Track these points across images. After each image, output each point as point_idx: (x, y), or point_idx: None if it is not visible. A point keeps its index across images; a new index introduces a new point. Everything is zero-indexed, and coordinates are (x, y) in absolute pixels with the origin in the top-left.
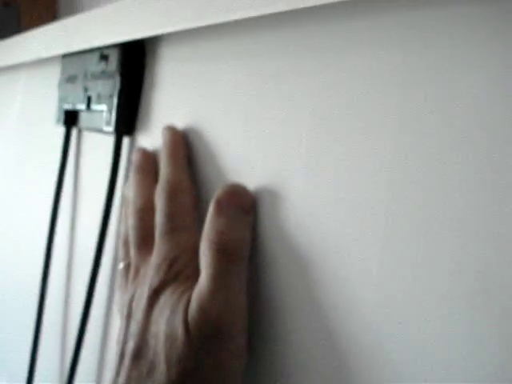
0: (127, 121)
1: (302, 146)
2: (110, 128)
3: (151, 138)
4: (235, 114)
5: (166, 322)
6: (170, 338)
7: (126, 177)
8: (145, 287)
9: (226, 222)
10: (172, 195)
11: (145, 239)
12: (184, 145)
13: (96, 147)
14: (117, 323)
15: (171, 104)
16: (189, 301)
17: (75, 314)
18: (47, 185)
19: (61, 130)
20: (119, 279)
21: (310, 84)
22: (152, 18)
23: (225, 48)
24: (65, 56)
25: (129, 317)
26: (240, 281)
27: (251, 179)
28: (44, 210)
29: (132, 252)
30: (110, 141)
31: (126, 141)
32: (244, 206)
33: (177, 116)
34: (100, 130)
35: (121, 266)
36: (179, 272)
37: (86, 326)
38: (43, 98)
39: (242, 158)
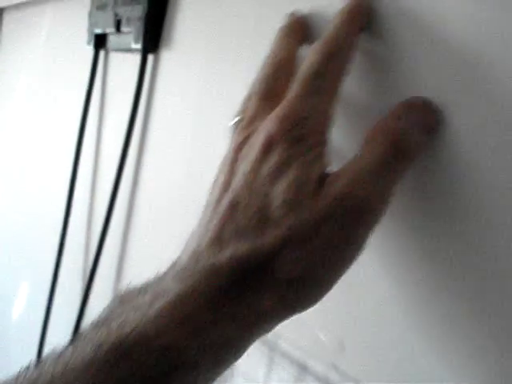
0: (152, 40)
1: None
2: (138, 45)
3: (172, 54)
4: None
5: (286, 180)
6: (294, 203)
7: (150, 90)
8: (260, 135)
9: (405, 125)
10: (328, 55)
11: (272, 91)
12: (363, 14)
13: (122, 66)
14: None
15: (191, 27)
16: (322, 169)
17: (98, 222)
18: (75, 99)
19: (88, 53)
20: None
21: None
22: None
23: None
24: None
25: (233, 165)
26: (397, 184)
27: None
28: (72, 125)
29: (252, 102)
30: (135, 60)
31: (150, 59)
32: (425, 124)
33: (195, 37)
34: (128, 49)
35: (234, 120)
36: (303, 136)
37: (108, 231)
38: (70, 27)
39: None
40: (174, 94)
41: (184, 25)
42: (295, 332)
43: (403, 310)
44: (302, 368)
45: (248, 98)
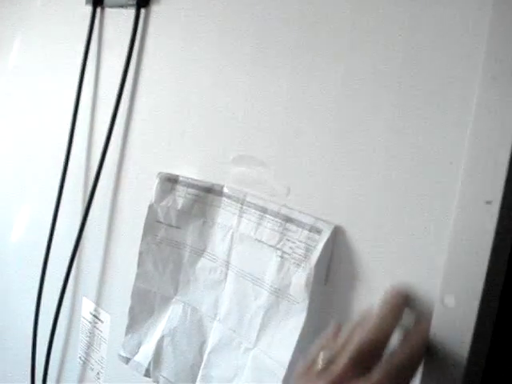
0: None
1: None
2: (133, 1)
3: (161, 8)
4: None
5: None
6: None
7: (142, 40)
8: None
9: None
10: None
11: (363, 362)
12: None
13: (117, 20)
14: None
15: None
16: None
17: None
18: (73, 52)
19: (83, 10)
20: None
21: None
22: None
23: None
24: None
25: None
26: None
27: None
28: (72, 74)
29: (342, 359)
30: (128, 14)
31: (141, 12)
32: None
33: None
34: (124, 5)
35: (313, 356)
36: None
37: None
38: None
39: None
40: (163, 44)
41: None
42: (256, 187)
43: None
44: (263, 210)
45: (334, 347)
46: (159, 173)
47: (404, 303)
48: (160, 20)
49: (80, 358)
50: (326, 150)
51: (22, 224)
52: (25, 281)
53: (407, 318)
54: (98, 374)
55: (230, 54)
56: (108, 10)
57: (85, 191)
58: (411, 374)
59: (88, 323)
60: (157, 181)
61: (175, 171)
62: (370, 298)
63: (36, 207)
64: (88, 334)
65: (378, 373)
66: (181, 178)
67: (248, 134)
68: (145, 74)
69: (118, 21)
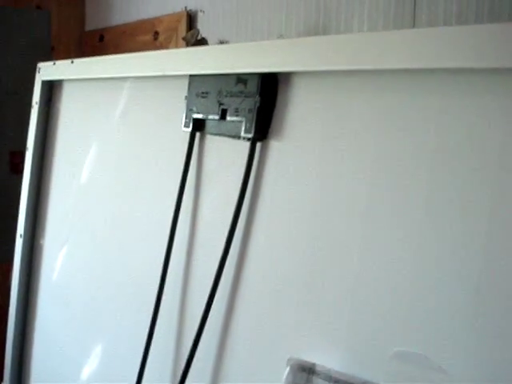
0: (262, 130)
1: None
2: (250, 135)
3: (280, 143)
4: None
5: None
6: None
7: (257, 178)
8: None
9: None
10: None
11: None
12: None
13: (221, 150)
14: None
15: (299, 120)
16: None
17: (193, 314)
18: (170, 182)
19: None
20: None
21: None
22: (286, 56)
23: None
24: (193, 75)
25: None
26: None
27: None
28: (167, 207)
29: None
30: (236, 145)
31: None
32: None
33: (303, 129)
34: (236, 137)
35: None
36: None
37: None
38: (149, 107)
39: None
40: (283, 182)
41: (294, 115)
42: None
43: None
44: None
45: None
46: (289, 359)
47: None
48: (279, 156)
49: None
50: None
51: (94, 369)
52: None
53: None
54: None
55: (384, 200)
56: (211, 137)
57: (177, 356)
58: None
59: None
60: (288, 369)
61: (309, 357)
62: None
63: (112, 352)
64: None
65: None
66: (319, 368)
67: (422, 322)
68: (261, 218)
69: (228, 151)
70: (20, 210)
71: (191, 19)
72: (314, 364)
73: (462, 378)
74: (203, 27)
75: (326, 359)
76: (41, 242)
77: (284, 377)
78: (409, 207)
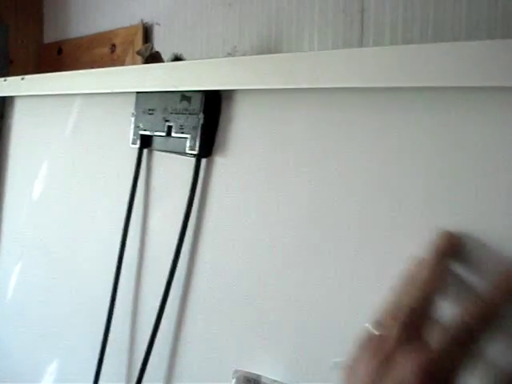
0: (207, 147)
1: None
2: (195, 152)
3: (224, 159)
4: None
5: None
6: None
7: (203, 192)
8: (410, 362)
9: None
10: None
11: (415, 323)
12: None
13: (168, 166)
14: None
15: (241, 136)
16: None
17: (145, 325)
18: (120, 198)
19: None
20: (365, 340)
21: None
22: (228, 75)
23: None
24: (139, 92)
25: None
26: None
27: None
28: (117, 223)
29: (395, 329)
30: (182, 161)
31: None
32: None
33: (246, 145)
34: (182, 153)
35: (368, 329)
36: None
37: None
38: (98, 123)
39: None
40: (227, 199)
41: (238, 132)
42: None
43: None
44: None
45: (389, 316)
46: (235, 371)
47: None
48: (223, 171)
49: None
50: None
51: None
52: None
53: None
54: None
55: (325, 214)
56: (157, 153)
57: (129, 375)
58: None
59: None
60: (233, 381)
61: (254, 369)
62: None
63: (68, 374)
64: None
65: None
66: (264, 380)
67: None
68: (206, 234)
69: (173, 167)
70: None
71: (147, 32)
72: (259, 376)
73: None
74: (159, 40)
75: (271, 371)
76: None
77: None
78: (347, 216)
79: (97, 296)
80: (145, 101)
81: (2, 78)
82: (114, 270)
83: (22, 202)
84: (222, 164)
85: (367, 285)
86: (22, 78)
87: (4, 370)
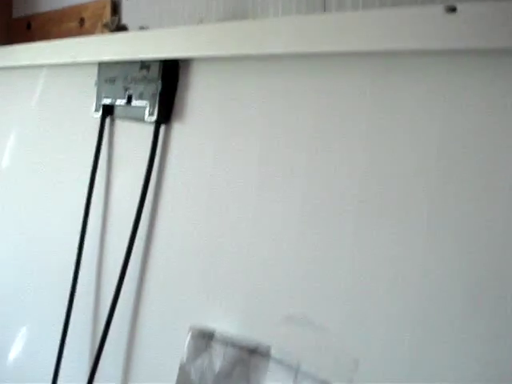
0: (165, 114)
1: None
2: (153, 118)
3: (181, 125)
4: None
5: None
6: None
7: (161, 158)
8: None
9: None
10: None
11: None
12: None
13: (131, 134)
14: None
15: (198, 103)
16: None
17: (109, 285)
18: (83, 165)
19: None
20: None
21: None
22: (185, 43)
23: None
24: (101, 63)
25: None
26: None
27: None
28: (81, 189)
29: None
30: (142, 128)
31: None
32: None
33: (202, 111)
34: (141, 120)
35: None
36: None
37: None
38: (63, 94)
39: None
40: (185, 163)
41: (194, 99)
42: (313, 354)
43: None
44: None
45: None
46: (191, 327)
47: None
48: (181, 137)
49: None
50: (405, 312)
51: (20, 351)
52: None
53: None
54: None
55: (275, 175)
56: (119, 122)
57: (94, 333)
58: None
59: None
60: (188, 336)
61: (210, 324)
62: None
63: (36, 331)
64: None
65: None
66: (217, 334)
67: (305, 286)
68: (166, 196)
69: (133, 134)
70: None
71: (115, 6)
72: (213, 331)
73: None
74: (127, 14)
75: (225, 326)
76: None
77: (186, 343)
78: (296, 169)
79: (64, 259)
80: (106, 70)
81: None
82: (79, 235)
83: None
84: (179, 130)
85: (309, 229)
86: None
87: None
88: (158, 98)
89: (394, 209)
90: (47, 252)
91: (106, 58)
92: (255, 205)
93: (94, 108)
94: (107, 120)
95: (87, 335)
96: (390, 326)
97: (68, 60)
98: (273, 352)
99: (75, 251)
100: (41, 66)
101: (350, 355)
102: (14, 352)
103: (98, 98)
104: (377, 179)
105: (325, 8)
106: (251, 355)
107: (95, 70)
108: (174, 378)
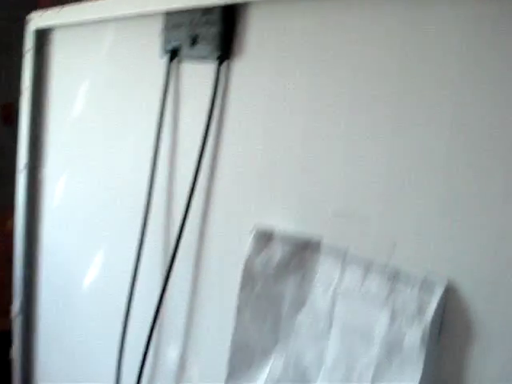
0: (226, 53)
1: None
2: (215, 58)
3: (242, 64)
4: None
5: None
6: None
7: (224, 95)
8: None
9: None
10: None
11: None
12: None
13: (195, 74)
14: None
15: (255, 43)
16: None
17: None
18: (152, 108)
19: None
20: None
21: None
22: None
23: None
24: (167, 12)
25: None
26: None
27: None
28: (151, 130)
29: None
30: (205, 68)
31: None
32: None
33: (259, 51)
34: (204, 61)
35: None
36: None
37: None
38: (132, 43)
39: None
40: (246, 100)
41: (252, 39)
42: (358, 241)
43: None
44: (368, 265)
45: None
46: (254, 227)
47: None
48: (241, 74)
49: None
50: (436, 200)
51: (97, 274)
52: (103, 333)
53: None
54: None
55: (322, 103)
56: (184, 65)
57: (166, 242)
58: None
59: (173, 372)
60: (252, 235)
61: (269, 223)
62: (485, 359)
63: (113, 256)
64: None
65: None
66: (276, 232)
67: (348, 185)
68: (228, 125)
69: (197, 75)
70: (21, 144)
71: None
72: (272, 230)
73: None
74: None
75: (282, 225)
76: (41, 173)
77: (249, 242)
78: (351, 99)
79: (136, 189)
80: (172, 18)
81: (40, 11)
82: (149, 169)
83: (65, 118)
84: (239, 68)
85: (360, 145)
86: (59, 10)
87: (54, 266)
88: (219, 40)
89: (423, 109)
90: (121, 182)
91: (172, 6)
92: (305, 120)
93: (160, 53)
94: (173, 63)
95: (160, 247)
96: (421, 213)
97: (135, 11)
98: (324, 242)
99: (147, 179)
100: (108, 22)
101: (389, 238)
102: (91, 275)
103: (164, 44)
104: None
105: None
106: (305, 247)
107: (160, 19)
108: (240, 272)
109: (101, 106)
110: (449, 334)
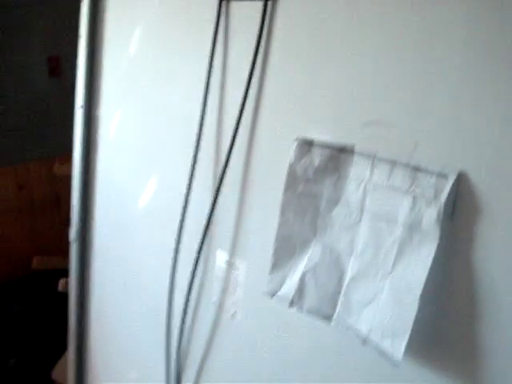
0: None
1: None
2: None
3: (287, 3)
4: None
5: None
6: None
7: (268, 32)
8: None
9: None
10: None
11: None
12: None
13: (242, 12)
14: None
15: None
16: None
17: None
18: (199, 40)
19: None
20: None
21: None
22: None
23: None
24: None
25: None
26: None
27: None
28: (203, 62)
29: None
30: (253, 6)
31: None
32: None
33: None
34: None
35: None
36: None
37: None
38: None
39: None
40: (291, 32)
41: None
42: (386, 144)
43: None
44: (393, 163)
45: None
46: (297, 137)
47: None
48: (287, 11)
49: (214, 303)
50: (448, 105)
51: (154, 188)
52: (159, 238)
53: None
54: (233, 314)
55: (357, 43)
56: (234, 3)
57: (218, 152)
58: None
59: (223, 272)
60: (295, 144)
61: (310, 135)
62: (492, 231)
63: (166, 179)
64: (223, 281)
65: None
66: (316, 141)
67: (377, 98)
68: (274, 56)
69: (245, 12)
70: (78, 85)
71: None
72: (312, 139)
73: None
74: None
75: (320, 135)
76: (97, 112)
77: (292, 149)
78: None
79: (186, 122)
80: None
81: None
82: (201, 97)
83: (120, 57)
84: (283, 6)
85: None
86: None
87: (110, 192)
88: None
89: (437, 26)
90: (173, 113)
91: None
92: (340, 50)
93: None
94: (223, 3)
95: (211, 169)
96: (437, 116)
97: None
98: (356, 148)
99: (199, 107)
100: None
101: (411, 140)
102: (145, 198)
103: None
104: None
105: None
106: (340, 153)
107: None
108: (282, 179)
109: (154, 47)
110: (460, 214)
